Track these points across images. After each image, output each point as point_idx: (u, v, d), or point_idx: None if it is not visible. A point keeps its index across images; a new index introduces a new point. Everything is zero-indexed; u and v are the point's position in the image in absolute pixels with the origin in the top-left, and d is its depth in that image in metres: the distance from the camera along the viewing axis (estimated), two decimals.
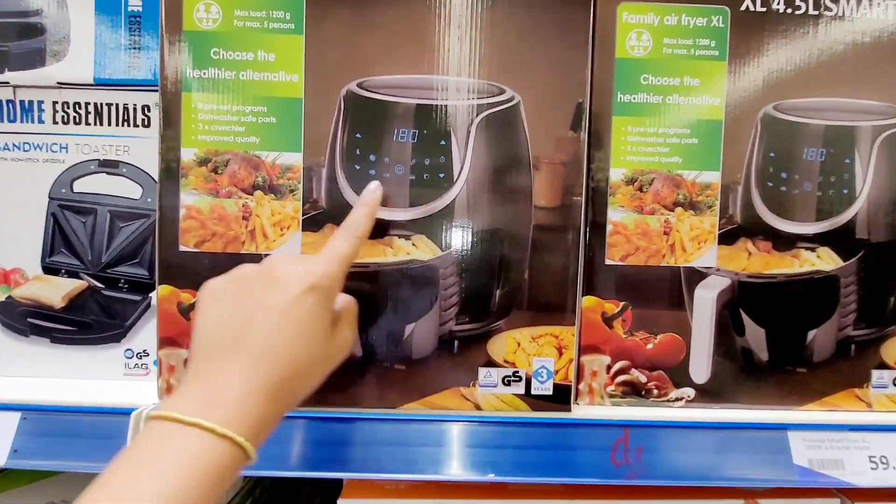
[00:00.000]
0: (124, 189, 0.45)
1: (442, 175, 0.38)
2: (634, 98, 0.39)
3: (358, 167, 0.38)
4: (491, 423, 0.38)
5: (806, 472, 0.37)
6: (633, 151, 0.40)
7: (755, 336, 0.41)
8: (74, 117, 0.44)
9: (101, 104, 0.44)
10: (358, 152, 0.37)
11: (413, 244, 0.38)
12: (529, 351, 0.39)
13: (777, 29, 0.40)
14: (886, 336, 0.41)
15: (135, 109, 0.44)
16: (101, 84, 0.44)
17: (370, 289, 0.38)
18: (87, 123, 0.44)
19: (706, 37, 0.39)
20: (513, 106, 0.37)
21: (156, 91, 0.43)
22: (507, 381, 0.38)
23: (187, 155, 0.37)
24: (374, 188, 0.36)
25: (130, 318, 0.45)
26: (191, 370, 0.29)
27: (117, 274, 0.46)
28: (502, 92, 0.38)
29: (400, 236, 0.38)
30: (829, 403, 0.41)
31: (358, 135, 0.37)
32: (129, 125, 0.44)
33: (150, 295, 0.45)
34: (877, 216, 0.41)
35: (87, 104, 0.44)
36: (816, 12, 0.40)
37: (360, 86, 0.37)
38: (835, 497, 0.41)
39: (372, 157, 0.37)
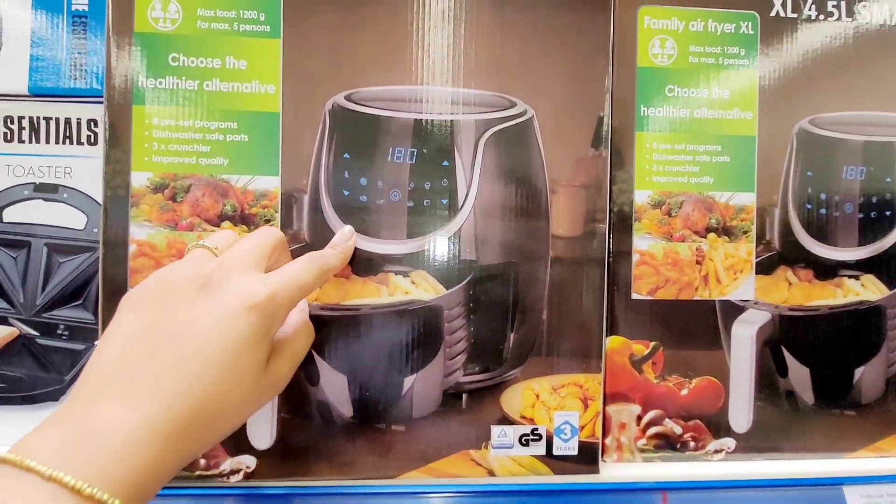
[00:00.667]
0: (65, 218, 0.38)
1: (445, 201, 0.32)
2: (659, 111, 0.35)
3: (347, 193, 0.32)
4: (509, 494, 0.32)
5: None
6: (659, 171, 0.35)
7: (799, 376, 0.36)
8: (5, 134, 0.37)
9: (38, 118, 0.38)
10: (346, 175, 0.32)
11: (412, 282, 0.32)
12: (550, 404, 0.33)
13: (810, 36, 0.36)
14: None
15: (79, 124, 0.38)
16: (37, 95, 0.37)
17: (362, 335, 0.32)
18: (21, 141, 0.38)
19: (735, 44, 0.35)
20: (525, 121, 0.33)
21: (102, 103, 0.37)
22: (524, 441, 0.33)
23: (139, 180, 0.31)
24: (346, 234, 0.31)
25: (71, 371, 0.38)
26: (70, 399, 0.22)
27: (56, 318, 0.38)
28: (513, 105, 0.33)
29: (397, 273, 0.32)
30: (880, 449, 0.37)
31: (346, 155, 0.32)
32: (71, 142, 0.38)
33: (94, 343, 0.38)
34: None
35: (20, 118, 0.38)
36: (850, 19, 0.36)
37: (348, 98, 0.32)
38: None
39: (363, 181, 0.32)
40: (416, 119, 0.32)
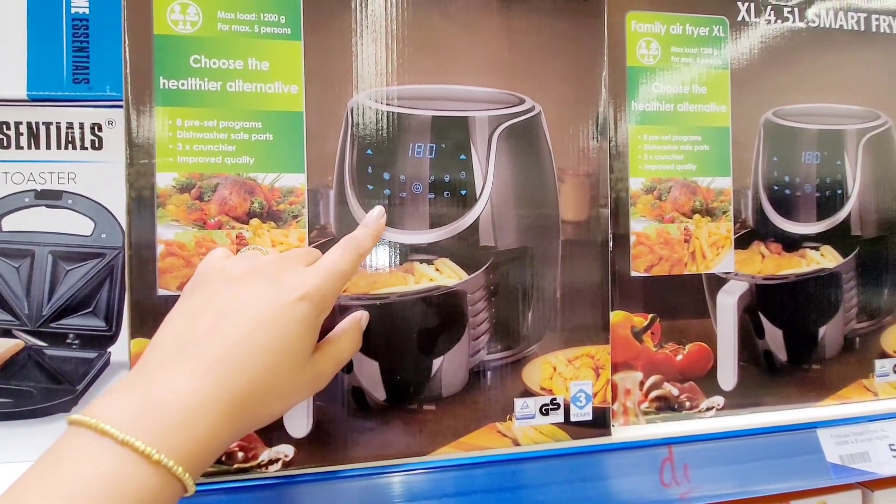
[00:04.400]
0: (70, 224, 0.37)
1: (464, 192, 0.34)
2: (647, 106, 0.39)
3: (371, 187, 0.33)
4: (535, 460, 0.34)
5: (839, 469, 0.37)
6: (650, 160, 0.39)
7: (774, 337, 0.41)
8: (1, 140, 0.36)
9: (37, 123, 0.37)
10: (370, 171, 0.33)
11: (436, 269, 0.34)
12: (566, 375, 0.36)
13: (770, 38, 0.41)
14: (884, 326, 0.43)
15: (82, 129, 0.37)
16: (36, 100, 0.36)
17: (391, 322, 0.33)
18: (20, 147, 0.37)
19: (709, 45, 0.40)
20: (534, 116, 0.35)
21: (110, 107, 0.37)
22: (545, 411, 0.36)
23: (164, 180, 0.31)
24: (377, 214, 0.32)
25: (83, 380, 0.37)
26: (135, 370, 0.23)
27: (64, 328, 0.37)
28: (522, 101, 0.35)
29: (421, 261, 0.34)
30: (842, 396, 0.42)
31: (369, 151, 0.33)
32: (74, 148, 0.37)
33: (108, 350, 0.37)
34: (867, 213, 0.43)
35: (17, 124, 0.36)
36: (803, 23, 0.42)
37: (368, 97, 0.33)
38: (855, 488, 0.42)
39: (386, 176, 0.34)
40: (434, 116, 0.34)
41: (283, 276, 0.26)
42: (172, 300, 0.31)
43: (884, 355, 0.43)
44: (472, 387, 0.35)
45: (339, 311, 0.33)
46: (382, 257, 0.34)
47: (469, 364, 0.35)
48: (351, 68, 0.33)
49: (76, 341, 0.37)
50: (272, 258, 0.27)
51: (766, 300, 0.41)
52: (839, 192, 0.42)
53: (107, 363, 0.37)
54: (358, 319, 0.32)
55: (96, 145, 0.37)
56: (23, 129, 0.37)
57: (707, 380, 0.40)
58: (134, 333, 0.31)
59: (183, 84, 0.31)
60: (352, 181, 0.33)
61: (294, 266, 0.27)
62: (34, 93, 0.36)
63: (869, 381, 0.43)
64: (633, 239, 0.39)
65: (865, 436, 0.39)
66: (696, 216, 0.40)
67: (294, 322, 0.25)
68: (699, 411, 0.40)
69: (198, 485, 0.32)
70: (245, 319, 0.24)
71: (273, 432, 0.32)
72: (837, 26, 0.42)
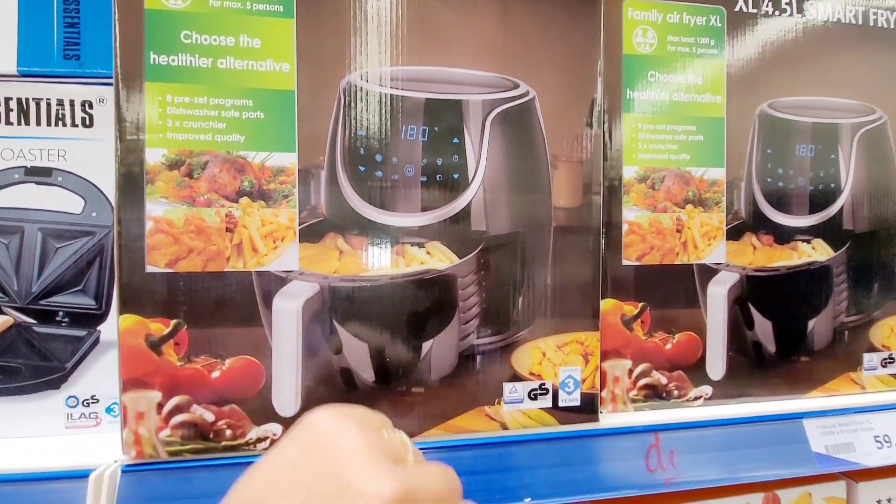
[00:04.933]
0: (60, 202, 0.37)
1: (456, 176, 0.34)
2: (642, 95, 0.39)
3: (363, 168, 0.33)
4: (522, 443, 0.35)
5: (824, 458, 0.38)
6: (644, 149, 0.39)
7: (763, 329, 0.41)
8: None
9: (27, 100, 0.36)
10: (362, 152, 0.33)
11: (427, 252, 0.34)
12: (555, 360, 0.36)
13: (767, 29, 0.41)
14: (873, 321, 0.44)
15: (72, 106, 0.37)
16: (27, 76, 0.36)
17: (381, 304, 0.33)
18: (9, 123, 0.36)
19: (706, 35, 0.40)
20: (528, 101, 0.35)
21: (101, 85, 0.37)
22: (533, 396, 0.36)
23: (154, 156, 0.31)
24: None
25: (72, 358, 0.37)
26: None
27: (53, 305, 0.37)
28: (516, 86, 0.35)
29: (412, 244, 0.34)
30: (829, 389, 0.43)
31: (361, 132, 0.33)
32: (64, 125, 0.37)
33: (97, 329, 0.37)
34: (859, 208, 0.43)
35: (7, 100, 0.36)
36: (800, 15, 0.42)
37: (361, 77, 0.33)
38: (839, 479, 0.42)
39: (378, 158, 0.33)
40: (427, 98, 0.34)
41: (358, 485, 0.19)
42: (160, 277, 0.31)
43: (872, 349, 0.44)
44: (461, 370, 0.35)
45: (331, 294, 0.33)
46: (373, 239, 0.33)
47: (458, 348, 0.35)
48: (344, 48, 0.33)
49: (65, 319, 0.37)
50: (360, 445, 0.20)
51: (756, 291, 0.41)
52: (832, 185, 0.42)
53: (96, 342, 0.37)
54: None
55: (87, 123, 0.37)
56: (13, 104, 0.36)
57: (696, 369, 0.40)
58: (122, 310, 0.31)
59: (173, 60, 0.31)
60: (343, 162, 0.33)
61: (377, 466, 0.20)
62: (24, 68, 0.36)
63: (857, 374, 0.43)
64: (625, 228, 0.39)
65: (851, 427, 0.39)
66: (689, 206, 0.40)
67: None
68: (687, 400, 0.40)
69: (185, 462, 0.32)
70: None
71: (262, 410, 0.32)
72: (835, 20, 0.42)
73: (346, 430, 0.21)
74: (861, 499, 0.41)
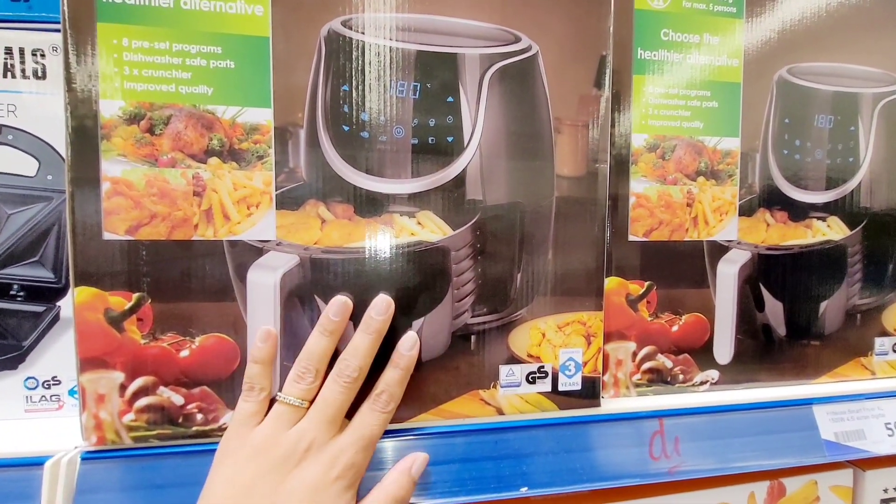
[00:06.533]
0: (11, 163, 0.33)
1: (450, 139, 0.31)
2: (655, 55, 0.36)
3: (346, 129, 0.30)
4: (518, 429, 0.32)
5: (834, 446, 0.36)
6: (654, 115, 0.36)
7: (774, 311, 0.39)
8: None
9: None
10: (346, 110, 0.30)
11: (418, 223, 0.31)
12: (556, 342, 0.34)
13: None
14: (886, 304, 0.42)
15: (22, 54, 0.33)
16: None
17: (367, 279, 0.30)
18: None
19: None
20: (531, 57, 0.32)
21: (53, 32, 0.33)
22: (531, 379, 0.33)
23: (109, 109, 0.27)
24: (410, 344, 0.30)
25: (30, 335, 0.34)
26: None
27: (7, 278, 0.34)
28: (518, 40, 0.32)
29: (402, 213, 0.31)
30: (839, 374, 0.41)
31: (345, 87, 0.30)
32: (13, 76, 0.33)
33: (56, 304, 0.34)
34: (877, 185, 0.41)
35: None
36: None
37: (345, 24, 0.30)
38: (846, 468, 0.41)
39: (364, 117, 0.30)
40: (419, 51, 0.30)
41: (314, 456, 0.27)
42: (120, 245, 0.28)
43: (884, 333, 0.42)
44: (454, 351, 0.32)
45: (311, 266, 0.30)
46: (359, 207, 0.30)
47: (452, 327, 0.32)
48: None
49: (21, 293, 0.34)
50: (302, 430, 0.28)
51: (768, 271, 0.39)
52: (850, 160, 0.40)
53: (56, 318, 0.34)
54: (407, 469, 0.30)
55: (39, 74, 0.33)
56: None
57: (702, 352, 0.38)
58: (77, 282, 0.28)
59: None
60: (325, 120, 0.30)
61: (324, 437, 0.28)
62: None
63: (867, 359, 0.41)
64: (632, 200, 0.36)
65: (862, 413, 0.37)
66: (701, 179, 0.37)
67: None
68: (692, 385, 0.38)
69: (152, 449, 0.29)
70: None
71: (235, 393, 0.29)
72: None
73: None
74: (868, 488, 0.40)
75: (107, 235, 0.28)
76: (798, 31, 0.38)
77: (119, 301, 0.28)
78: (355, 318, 0.30)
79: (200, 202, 0.29)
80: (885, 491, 0.41)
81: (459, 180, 0.31)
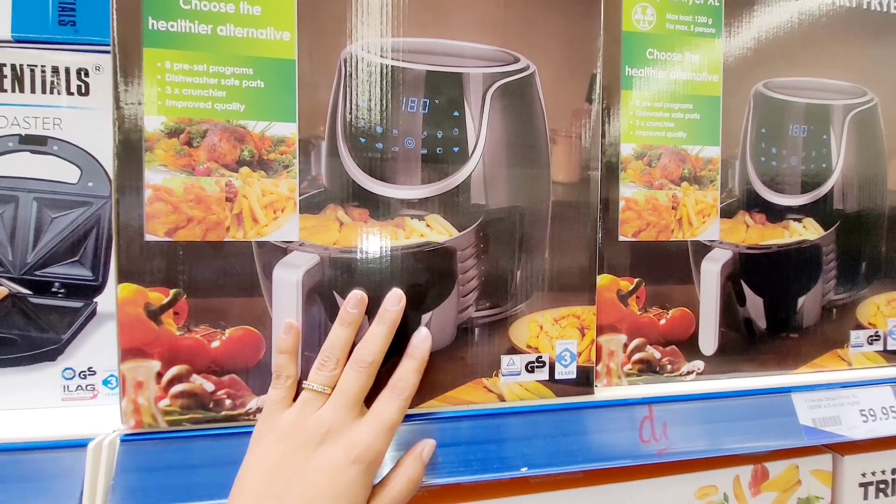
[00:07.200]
0: (55, 171, 0.37)
1: (456, 149, 0.34)
2: (641, 72, 0.39)
3: (363, 140, 0.33)
4: (519, 414, 0.35)
5: (812, 431, 0.39)
6: (641, 126, 0.39)
7: (755, 305, 0.42)
8: None
9: (21, 66, 0.36)
10: (363, 124, 0.33)
11: (427, 225, 0.34)
12: (552, 334, 0.37)
13: (764, 10, 0.42)
14: (860, 299, 0.45)
15: (68, 73, 0.36)
16: (21, 42, 0.35)
17: (381, 276, 0.34)
18: (3, 90, 0.36)
19: (704, 14, 0.40)
20: (529, 75, 0.35)
21: (97, 52, 0.36)
22: (530, 368, 0.36)
23: (153, 124, 0.31)
24: (423, 337, 0.33)
25: (69, 329, 0.37)
26: None
27: (49, 276, 0.37)
28: (517, 60, 0.35)
29: (412, 217, 0.34)
30: (817, 365, 0.44)
31: (362, 103, 0.33)
32: (59, 93, 0.36)
33: (94, 300, 0.37)
34: (849, 188, 0.44)
35: (1, 66, 0.36)
36: None
37: (363, 48, 0.33)
38: (825, 453, 0.44)
39: (378, 130, 0.33)
40: (428, 70, 0.34)
41: (339, 442, 0.29)
42: (160, 246, 0.31)
43: (859, 326, 0.45)
44: (459, 343, 0.35)
45: (331, 265, 0.33)
46: (374, 211, 0.34)
47: (457, 320, 0.35)
48: (345, 17, 0.33)
49: (62, 290, 0.37)
50: (329, 423, 0.30)
51: (748, 269, 0.42)
52: (824, 165, 0.43)
53: (93, 313, 0.37)
54: (419, 453, 0.32)
55: (83, 91, 0.36)
56: (7, 71, 0.36)
57: (688, 344, 0.41)
58: (121, 279, 0.31)
59: (172, 26, 0.31)
60: (344, 133, 0.33)
61: (339, 425, 0.30)
62: (18, 34, 0.35)
63: (844, 350, 0.44)
64: (622, 204, 0.39)
65: (838, 401, 0.40)
66: (685, 184, 0.40)
67: (347, 485, 0.29)
68: (680, 374, 0.41)
69: (184, 431, 0.32)
70: (309, 487, 0.28)
71: (261, 380, 0.32)
72: (830, 2, 0.43)
73: None
74: (846, 472, 0.43)
75: (148, 237, 0.31)
76: (772, 48, 0.42)
77: (158, 296, 0.31)
78: (370, 312, 0.33)
79: (232, 207, 0.32)
80: (864, 475, 0.43)
81: (464, 186, 0.35)
